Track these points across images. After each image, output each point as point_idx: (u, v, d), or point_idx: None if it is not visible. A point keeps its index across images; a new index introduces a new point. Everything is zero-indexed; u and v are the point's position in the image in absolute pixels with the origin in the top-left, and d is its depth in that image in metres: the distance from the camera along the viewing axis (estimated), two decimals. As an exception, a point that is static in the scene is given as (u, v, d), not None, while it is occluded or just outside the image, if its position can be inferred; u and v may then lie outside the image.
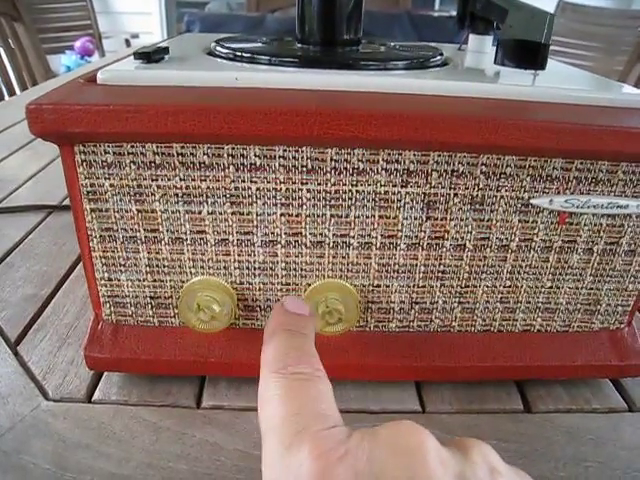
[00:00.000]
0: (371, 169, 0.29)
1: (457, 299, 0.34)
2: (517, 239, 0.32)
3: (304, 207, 0.31)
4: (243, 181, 0.30)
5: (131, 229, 0.31)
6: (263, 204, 0.30)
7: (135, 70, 0.32)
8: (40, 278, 0.45)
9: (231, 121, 0.27)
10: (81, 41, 2.30)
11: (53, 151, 0.62)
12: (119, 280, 0.33)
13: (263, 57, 0.35)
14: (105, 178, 0.30)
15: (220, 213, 0.31)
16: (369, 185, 0.30)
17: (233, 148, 0.29)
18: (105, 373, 0.35)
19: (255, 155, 0.29)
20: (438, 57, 0.38)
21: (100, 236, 0.32)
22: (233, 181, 0.30)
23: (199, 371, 0.34)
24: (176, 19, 2.80)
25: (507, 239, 0.32)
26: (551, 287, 0.33)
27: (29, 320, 0.40)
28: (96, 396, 0.34)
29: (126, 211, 0.31)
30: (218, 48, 0.38)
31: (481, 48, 0.45)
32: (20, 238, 0.52)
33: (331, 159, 0.29)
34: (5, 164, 0.71)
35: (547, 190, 0.30)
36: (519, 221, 0.31)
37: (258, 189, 0.30)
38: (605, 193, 0.31)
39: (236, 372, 0.34)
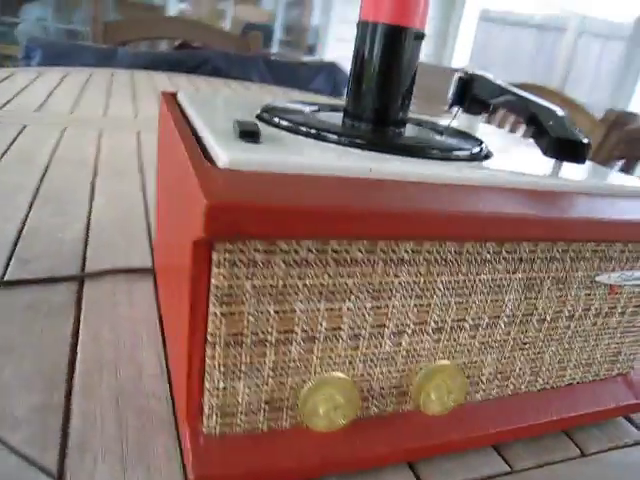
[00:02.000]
0: (482, 259, 0.32)
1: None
2: (580, 309, 0.37)
3: (435, 297, 0.31)
4: (387, 275, 0.30)
5: (262, 332, 0.28)
6: (401, 297, 0.30)
7: (264, 156, 0.29)
8: (38, 380, 0.36)
9: (390, 223, 0.27)
10: None
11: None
12: (234, 388, 0.29)
13: (358, 140, 0.35)
14: (247, 278, 0.27)
15: (359, 308, 0.30)
16: (488, 274, 0.32)
17: (386, 244, 0.29)
18: (198, 494, 0.31)
19: (405, 251, 0.29)
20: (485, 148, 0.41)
21: (225, 342, 0.28)
22: (380, 276, 0.29)
23: (319, 473, 0.32)
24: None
25: (574, 310, 0.37)
26: (594, 345, 0.39)
27: (60, 440, 0.32)
28: (201, 524, 0.29)
29: (261, 313, 0.28)
30: (302, 128, 0.36)
31: (472, 125, 0.50)
32: (-39, 326, 0.41)
33: (467, 251, 0.31)
34: None
35: (608, 268, 0.36)
36: (585, 295, 0.37)
37: (400, 283, 0.30)
38: None
39: (357, 466, 0.33)
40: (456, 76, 0.50)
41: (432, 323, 0.32)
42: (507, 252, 0.32)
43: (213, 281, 0.26)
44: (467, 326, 0.33)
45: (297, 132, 0.36)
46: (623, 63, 1.82)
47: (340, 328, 0.30)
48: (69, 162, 0.79)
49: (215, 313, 0.27)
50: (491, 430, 0.36)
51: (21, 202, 0.64)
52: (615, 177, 0.40)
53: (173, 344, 0.37)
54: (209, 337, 0.28)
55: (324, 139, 0.35)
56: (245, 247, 0.26)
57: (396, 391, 0.34)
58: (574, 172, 0.38)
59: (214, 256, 0.26)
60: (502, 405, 0.38)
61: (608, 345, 0.40)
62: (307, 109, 0.42)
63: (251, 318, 0.28)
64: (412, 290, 0.31)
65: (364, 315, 0.30)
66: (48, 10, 2.59)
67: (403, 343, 0.32)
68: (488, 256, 0.32)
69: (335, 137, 0.35)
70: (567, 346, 0.38)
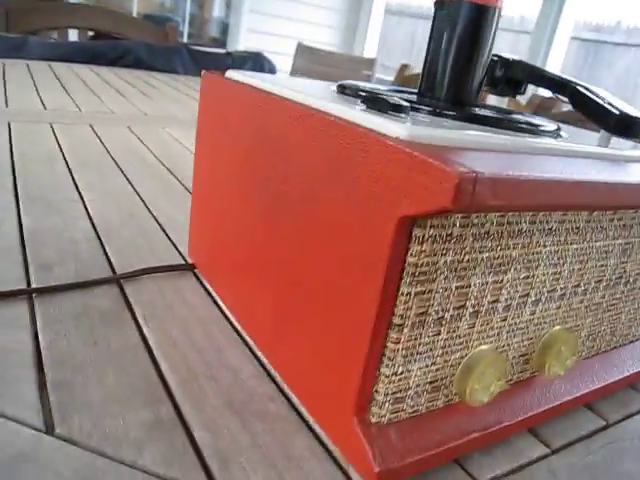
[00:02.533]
0: (601, 227, 0.34)
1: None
2: (651, 270, 0.41)
3: (565, 265, 0.33)
4: (538, 245, 0.30)
5: (442, 309, 0.28)
6: (544, 265, 0.31)
7: (442, 131, 0.28)
8: (135, 394, 0.32)
9: (586, 193, 0.27)
10: None
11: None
12: (409, 371, 0.28)
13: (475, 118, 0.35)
14: (442, 254, 0.26)
15: (514, 279, 0.30)
16: (602, 241, 0.34)
17: (544, 215, 0.29)
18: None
19: (555, 221, 0.30)
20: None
21: (412, 323, 0.27)
22: (534, 246, 0.30)
23: (478, 445, 0.32)
24: None
25: (647, 271, 0.40)
26: (652, 304, 0.43)
27: (196, 455, 0.29)
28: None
29: (446, 289, 0.27)
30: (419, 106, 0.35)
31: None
32: (31, 345, 0.34)
33: (593, 220, 0.32)
34: None
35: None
36: (657, 256, 0.40)
37: (545, 252, 0.31)
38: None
39: (505, 434, 0.33)
40: (489, 59, 0.52)
41: (559, 290, 0.33)
42: (617, 220, 0.34)
43: (411, 259, 0.25)
44: (580, 291, 0.35)
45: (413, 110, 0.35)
46: (529, 53, 2.03)
47: (498, 300, 0.30)
48: (35, 158, 0.70)
49: (408, 293, 0.26)
50: (590, 388, 0.39)
51: (5, 203, 0.56)
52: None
53: (290, 337, 0.35)
54: (396, 319, 0.26)
55: (442, 115, 0.35)
56: (446, 222, 0.25)
57: (523, 359, 0.35)
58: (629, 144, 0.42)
59: (417, 232, 0.25)
60: (591, 365, 0.40)
61: (660, 302, 0.44)
62: (382, 89, 0.41)
63: (437, 296, 0.27)
64: (552, 259, 0.31)
65: (517, 285, 0.30)
66: None
67: (537, 311, 0.33)
68: (605, 224, 0.33)
69: (454, 114, 0.35)
70: (637, 305, 0.42)
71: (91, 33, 1.91)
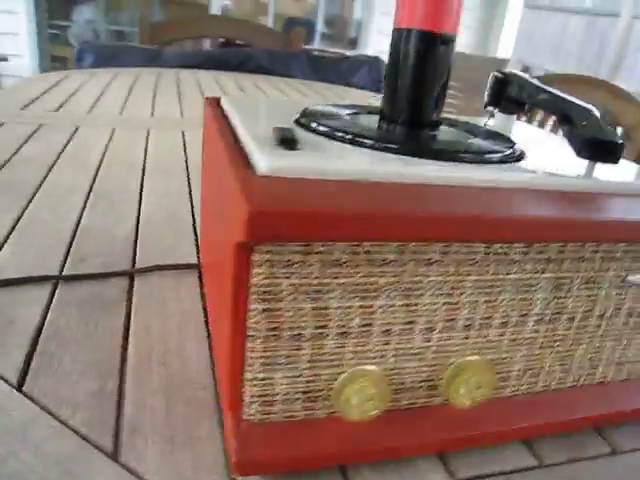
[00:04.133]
0: (510, 260, 0.33)
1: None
2: (611, 308, 0.38)
3: (463, 296, 0.33)
4: (417, 275, 0.31)
5: (299, 327, 0.30)
6: (431, 295, 0.32)
7: (301, 163, 0.31)
8: (94, 369, 0.40)
9: (419, 227, 0.29)
10: None
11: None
12: (272, 379, 0.32)
13: (392, 146, 0.36)
14: (285, 277, 0.29)
15: (390, 306, 0.31)
16: (516, 274, 0.33)
17: (416, 246, 0.30)
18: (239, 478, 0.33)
19: (434, 252, 0.31)
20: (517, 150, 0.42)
21: (265, 336, 0.30)
22: (410, 275, 0.31)
23: (351, 460, 0.34)
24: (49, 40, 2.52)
25: (605, 309, 0.37)
26: (626, 344, 0.40)
27: (114, 423, 0.35)
28: (243, 504, 0.32)
29: (299, 309, 0.30)
30: (338, 134, 0.37)
31: (507, 125, 0.51)
32: (38, 320, 0.44)
33: (494, 253, 0.32)
34: None
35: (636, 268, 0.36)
36: (616, 294, 0.37)
37: (430, 282, 0.31)
38: (672, 268, 0.38)
39: (388, 455, 0.34)
40: (491, 75, 0.51)
41: (461, 320, 0.34)
42: (535, 253, 0.33)
43: (253, 280, 0.29)
44: (496, 323, 0.35)
45: (334, 137, 0.38)
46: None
47: (372, 324, 0.32)
48: (119, 162, 0.84)
49: (255, 309, 0.29)
50: (520, 424, 0.37)
51: (75, 202, 0.69)
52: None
53: (217, 338, 0.40)
54: (250, 331, 0.30)
55: (359, 144, 0.37)
56: (283, 249, 0.28)
57: (426, 385, 0.35)
58: (607, 172, 0.39)
59: (254, 257, 0.28)
60: (532, 401, 0.38)
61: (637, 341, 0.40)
62: (344, 113, 0.44)
63: (288, 314, 0.30)
64: (442, 289, 0.32)
65: (395, 312, 0.32)
66: (97, 12, 2.73)
67: (433, 339, 0.34)
68: (516, 257, 0.33)
69: (370, 142, 0.37)
70: (598, 345, 0.39)
71: (222, 40, 2.11)
